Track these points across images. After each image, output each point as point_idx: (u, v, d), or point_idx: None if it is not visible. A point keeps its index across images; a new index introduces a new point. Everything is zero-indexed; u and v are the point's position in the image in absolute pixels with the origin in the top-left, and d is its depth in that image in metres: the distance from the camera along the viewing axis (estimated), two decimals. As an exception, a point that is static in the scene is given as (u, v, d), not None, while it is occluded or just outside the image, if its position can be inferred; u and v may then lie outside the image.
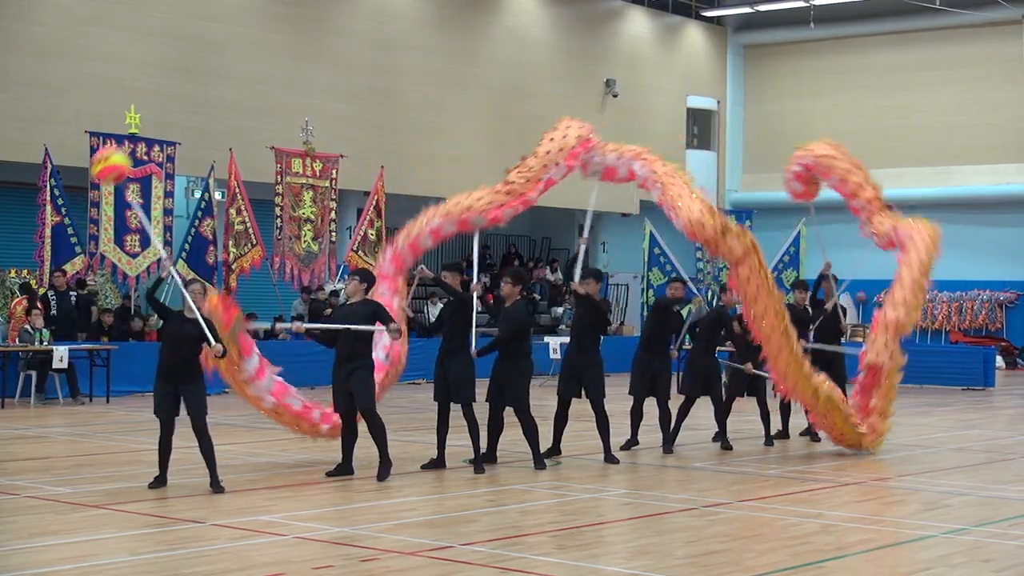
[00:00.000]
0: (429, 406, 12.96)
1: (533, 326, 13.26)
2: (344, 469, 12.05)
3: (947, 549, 9.08)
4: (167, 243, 22.44)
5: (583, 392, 13.41)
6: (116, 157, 11.45)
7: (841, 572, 8.34)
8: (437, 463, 12.64)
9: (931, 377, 25.73)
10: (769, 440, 15.22)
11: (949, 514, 10.55)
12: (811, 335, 15.67)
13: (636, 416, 14.47)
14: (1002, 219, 34.20)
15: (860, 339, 28.43)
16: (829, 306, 15.96)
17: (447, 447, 12.87)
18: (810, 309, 16.04)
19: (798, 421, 16.03)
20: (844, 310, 16.93)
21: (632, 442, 14.48)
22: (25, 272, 23.34)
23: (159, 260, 13.47)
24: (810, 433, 15.75)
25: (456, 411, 12.55)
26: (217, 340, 11.05)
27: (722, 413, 14.84)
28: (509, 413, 12.85)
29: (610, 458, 13.28)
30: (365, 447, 12.16)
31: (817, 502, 11.16)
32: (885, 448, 15.15)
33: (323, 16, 27.89)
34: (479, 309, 13.17)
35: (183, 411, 11.10)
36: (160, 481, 11.10)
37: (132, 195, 21.95)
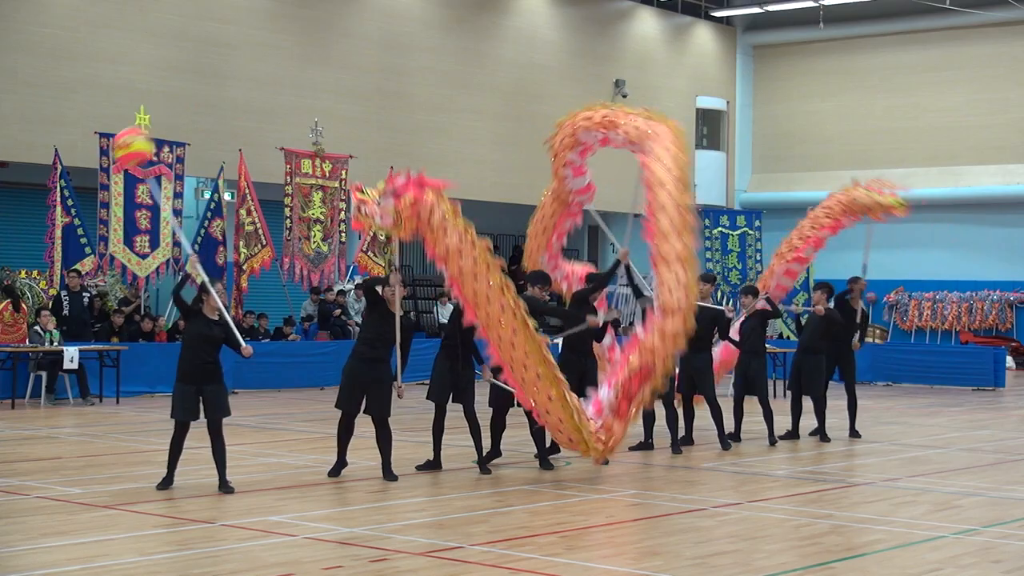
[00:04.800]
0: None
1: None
2: (341, 464, 12.06)
3: (957, 550, 9.07)
4: (176, 244, 22.49)
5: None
6: (138, 144, 11.21)
7: (851, 573, 8.33)
8: (433, 464, 12.63)
9: (941, 377, 25.73)
10: (772, 440, 15.20)
11: (959, 515, 10.53)
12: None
13: (648, 419, 14.44)
14: (1012, 219, 34.13)
15: (871, 339, 28.49)
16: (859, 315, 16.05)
17: (448, 448, 12.90)
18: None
19: (808, 422, 16.01)
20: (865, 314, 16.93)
21: (646, 445, 14.46)
22: (35, 273, 23.40)
23: (186, 260, 13.27)
24: (819, 433, 15.74)
25: (455, 411, 12.55)
26: (238, 344, 11.11)
27: (718, 414, 14.78)
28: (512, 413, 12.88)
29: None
30: (368, 447, 12.15)
31: (827, 503, 11.15)
32: (894, 448, 15.14)
33: (331, 18, 27.91)
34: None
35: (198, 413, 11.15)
36: (167, 482, 11.11)
37: (141, 194, 22.01)
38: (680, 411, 14.73)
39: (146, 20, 24.92)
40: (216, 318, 11.15)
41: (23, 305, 20.37)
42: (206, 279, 11.13)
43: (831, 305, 15.92)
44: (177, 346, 21.40)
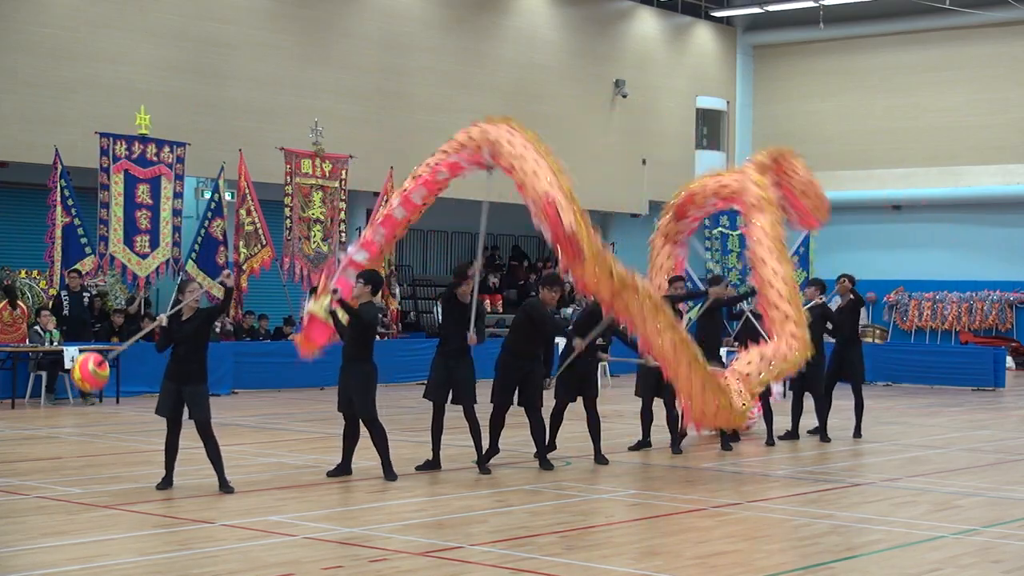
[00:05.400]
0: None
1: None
2: (343, 469, 12.06)
3: (957, 550, 9.07)
4: (176, 244, 22.49)
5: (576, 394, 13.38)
6: (76, 375, 11.29)
7: (851, 573, 8.33)
8: (432, 464, 12.63)
9: (941, 377, 25.72)
10: (771, 440, 15.20)
11: (959, 515, 10.54)
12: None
13: (646, 418, 14.46)
14: (1012, 219, 34.13)
15: (869, 339, 28.49)
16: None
17: (448, 448, 12.92)
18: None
19: (808, 421, 16.01)
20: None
21: (644, 443, 14.47)
22: (35, 273, 23.41)
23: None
24: (820, 433, 15.74)
25: (454, 411, 12.56)
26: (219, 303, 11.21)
27: None
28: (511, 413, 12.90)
29: (600, 459, 13.27)
30: (367, 447, 12.16)
31: (827, 503, 11.15)
32: (894, 448, 15.14)
33: (332, 18, 27.90)
34: (489, 311, 13.12)
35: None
36: (167, 482, 11.10)
37: (141, 194, 22.03)
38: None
39: (146, 20, 24.91)
40: (188, 317, 11.14)
41: (20, 304, 20.35)
42: (170, 314, 11.14)
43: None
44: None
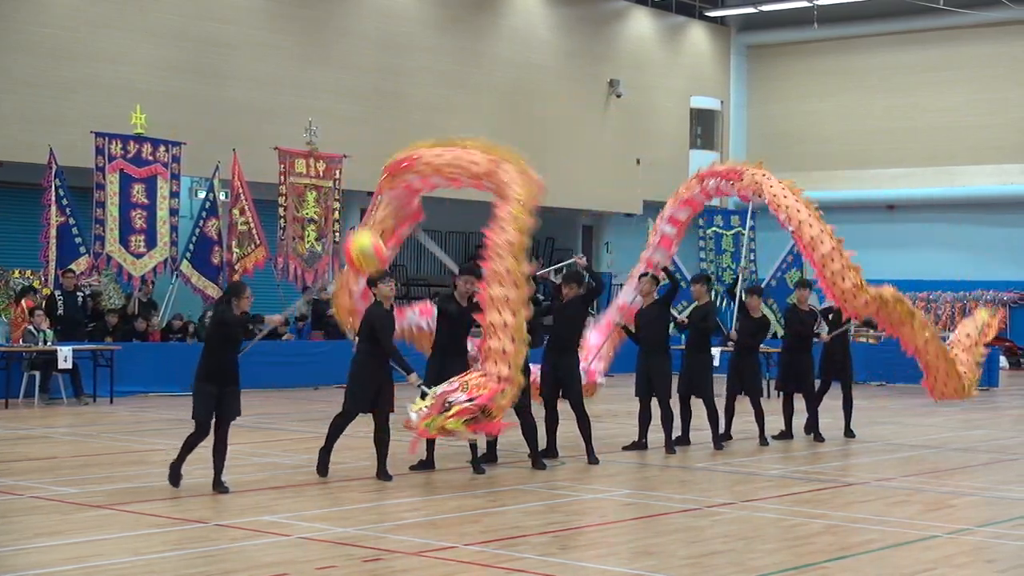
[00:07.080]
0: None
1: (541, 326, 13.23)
2: (324, 460, 12.12)
3: (951, 549, 9.08)
4: (173, 243, 22.48)
5: (562, 393, 13.39)
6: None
7: (845, 573, 8.33)
8: (426, 464, 12.63)
9: (936, 377, 25.68)
10: (764, 440, 15.20)
11: (953, 514, 10.55)
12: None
13: (644, 419, 14.43)
14: (1007, 219, 34.18)
15: (864, 339, 28.47)
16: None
17: (442, 448, 12.94)
18: (816, 309, 16.08)
19: (802, 421, 16.01)
20: None
21: (640, 444, 14.43)
22: (29, 272, 23.38)
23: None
24: (813, 431, 15.74)
25: None
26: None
27: (713, 415, 14.76)
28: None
29: (592, 459, 13.27)
30: (363, 447, 12.16)
31: (821, 502, 11.16)
32: (888, 448, 15.17)
33: (329, 18, 27.92)
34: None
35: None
36: (177, 475, 11.11)
37: (136, 194, 22.02)
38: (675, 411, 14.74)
39: (146, 20, 24.92)
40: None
41: (23, 303, 20.29)
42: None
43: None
44: (173, 346, 21.58)
